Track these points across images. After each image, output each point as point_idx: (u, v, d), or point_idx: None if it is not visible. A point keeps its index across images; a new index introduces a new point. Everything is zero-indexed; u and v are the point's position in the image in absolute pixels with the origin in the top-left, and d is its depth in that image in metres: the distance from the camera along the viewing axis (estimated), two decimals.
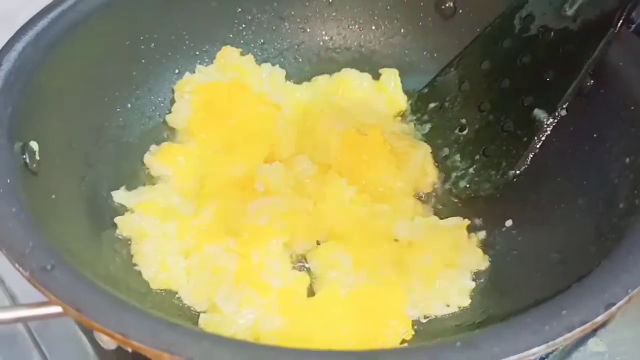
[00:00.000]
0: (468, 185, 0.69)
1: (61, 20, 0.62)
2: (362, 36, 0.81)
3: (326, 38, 0.81)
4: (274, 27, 0.80)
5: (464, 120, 0.71)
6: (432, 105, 0.74)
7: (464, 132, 0.70)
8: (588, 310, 0.43)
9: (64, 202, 0.58)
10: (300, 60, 0.81)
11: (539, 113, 0.64)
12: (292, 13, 0.80)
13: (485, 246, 0.64)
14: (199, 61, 0.76)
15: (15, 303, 0.63)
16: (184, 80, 0.74)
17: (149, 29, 0.72)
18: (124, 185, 0.66)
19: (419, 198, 0.69)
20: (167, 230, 0.62)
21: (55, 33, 0.62)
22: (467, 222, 0.65)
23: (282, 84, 0.77)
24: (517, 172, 0.65)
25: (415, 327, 0.58)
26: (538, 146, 0.64)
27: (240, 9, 0.77)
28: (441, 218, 0.67)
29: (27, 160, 0.54)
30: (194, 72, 0.76)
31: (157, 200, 0.65)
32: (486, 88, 0.69)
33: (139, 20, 0.70)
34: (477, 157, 0.68)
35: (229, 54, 0.77)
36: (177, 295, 0.59)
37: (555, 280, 0.53)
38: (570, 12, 0.63)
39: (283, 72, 0.78)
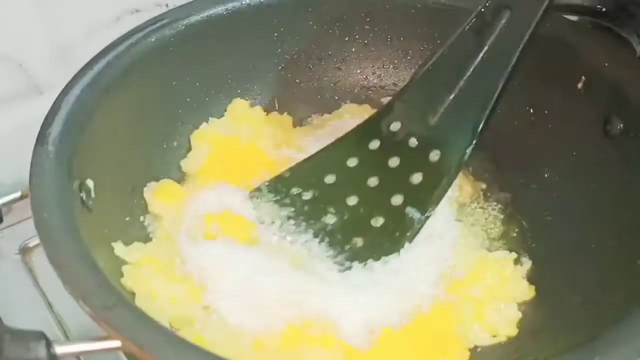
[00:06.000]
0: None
1: (115, 64, 0.66)
2: (396, 76, 0.84)
3: (361, 77, 0.84)
4: (311, 67, 0.83)
5: (332, 209, 0.67)
6: (294, 190, 0.69)
7: (332, 222, 0.66)
8: (620, 357, 0.44)
9: (115, 236, 0.61)
10: (337, 97, 0.84)
11: (411, 211, 0.64)
12: (330, 53, 0.83)
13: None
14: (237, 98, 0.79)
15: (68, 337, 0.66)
16: (201, 130, 0.76)
17: (193, 68, 0.75)
18: None
19: None
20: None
21: (110, 76, 0.65)
22: (514, 255, 0.66)
23: (290, 131, 0.80)
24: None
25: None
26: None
27: (280, 50, 0.81)
28: None
29: (84, 198, 0.58)
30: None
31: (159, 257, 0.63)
32: (353, 184, 0.68)
33: (184, 64, 0.74)
34: (347, 247, 0.65)
35: (239, 107, 0.79)
36: None
37: (586, 323, 0.55)
38: (433, 121, 0.65)
39: (290, 119, 0.81)
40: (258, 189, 0.70)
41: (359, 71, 0.84)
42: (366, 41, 0.83)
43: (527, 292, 0.63)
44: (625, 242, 0.61)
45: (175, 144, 0.74)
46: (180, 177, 0.73)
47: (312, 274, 0.63)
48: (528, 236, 0.70)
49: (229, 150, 0.75)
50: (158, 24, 0.72)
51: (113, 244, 0.60)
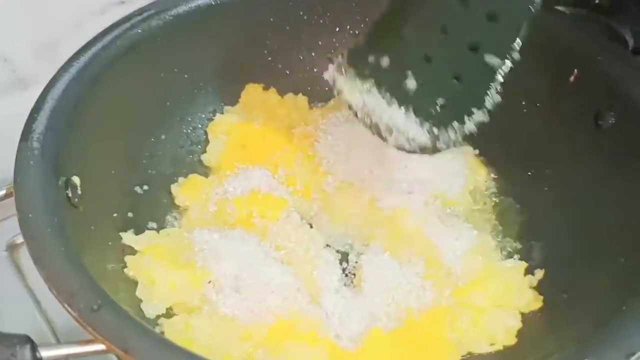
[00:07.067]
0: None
1: (102, 56, 0.65)
2: None
3: None
4: (301, 57, 0.82)
5: (410, 72, 0.61)
6: (371, 58, 0.64)
7: (413, 87, 0.61)
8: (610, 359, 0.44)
9: (101, 232, 0.61)
10: (327, 88, 0.83)
11: (489, 58, 0.58)
12: (320, 43, 0.82)
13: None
14: (225, 101, 0.78)
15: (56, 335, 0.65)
16: (216, 121, 0.77)
17: (181, 59, 0.74)
18: (157, 214, 0.69)
19: None
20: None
21: (96, 68, 0.64)
22: (524, 264, 0.65)
23: (306, 112, 0.80)
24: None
25: None
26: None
27: (268, 41, 0.79)
28: None
29: (70, 195, 0.57)
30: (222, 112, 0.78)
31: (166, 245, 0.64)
32: (426, 35, 0.61)
33: (171, 56, 0.73)
34: (432, 110, 0.61)
35: (253, 92, 0.79)
36: None
37: (577, 326, 0.55)
38: None
39: (305, 99, 0.80)
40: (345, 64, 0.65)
41: None
42: (357, 32, 0.82)
43: (533, 302, 0.62)
44: (615, 238, 0.61)
45: (163, 137, 0.73)
46: (203, 171, 0.74)
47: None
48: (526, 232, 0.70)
49: (247, 135, 0.75)
50: (145, 14, 0.71)
51: (122, 233, 0.62)
